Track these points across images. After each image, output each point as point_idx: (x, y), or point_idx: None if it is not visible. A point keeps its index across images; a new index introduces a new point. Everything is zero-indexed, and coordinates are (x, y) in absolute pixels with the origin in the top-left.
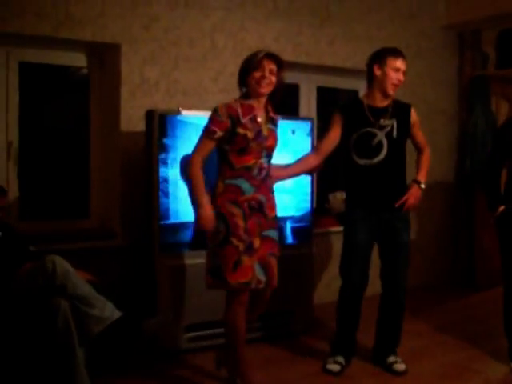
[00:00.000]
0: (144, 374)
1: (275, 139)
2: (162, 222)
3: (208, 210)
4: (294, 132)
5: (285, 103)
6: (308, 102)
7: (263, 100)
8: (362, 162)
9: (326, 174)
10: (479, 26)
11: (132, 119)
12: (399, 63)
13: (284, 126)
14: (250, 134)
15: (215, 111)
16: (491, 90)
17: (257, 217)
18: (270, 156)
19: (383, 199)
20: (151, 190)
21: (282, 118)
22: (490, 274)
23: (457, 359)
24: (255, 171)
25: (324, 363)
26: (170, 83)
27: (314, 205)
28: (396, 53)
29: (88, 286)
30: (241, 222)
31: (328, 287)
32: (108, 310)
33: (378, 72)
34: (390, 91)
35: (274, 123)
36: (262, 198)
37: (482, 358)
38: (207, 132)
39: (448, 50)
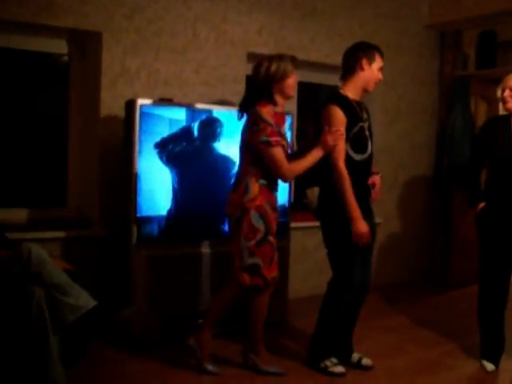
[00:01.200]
0: (118, 364)
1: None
2: (139, 213)
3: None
4: None
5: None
6: None
7: (282, 104)
8: (358, 157)
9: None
10: (460, 27)
11: (112, 108)
12: (383, 63)
13: None
14: (285, 144)
15: (267, 122)
16: (471, 90)
17: (274, 213)
18: None
19: (370, 193)
20: (129, 180)
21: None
22: (464, 273)
23: (430, 355)
24: (274, 175)
25: (324, 367)
26: (151, 74)
27: (292, 199)
28: (382, 52)
29: (64, 274)
30: (273, 221)
31: (304, 282)
32: (83, 299)
33: (366, 67)
34: (372, 89)
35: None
36: (277, 197)
37: (454, 354)
38: (276, 145)
39: (429, 49)
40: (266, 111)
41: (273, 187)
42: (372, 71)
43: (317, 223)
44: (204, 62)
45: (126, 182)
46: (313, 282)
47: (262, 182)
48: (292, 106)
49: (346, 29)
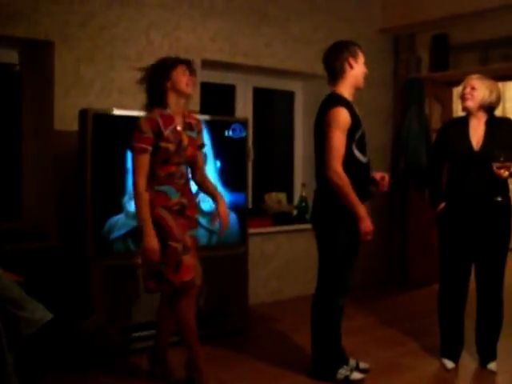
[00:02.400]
0: (79, 377)
1: (195, 148)
2: (95, 223)
3: (155, 239)
4: (230, 132)
5: (221, 104)
6: (244, 102)
7: (180, 105)
8: (364, 159)
9: (262, 175)
10: (413, 31)
11: (66, 118)
12: (363, 56)
13: (220, 127)
14: (171, 147)
15: (139, 129)
16: (425, 93)
17: (181, 219)
18: (189, 163)
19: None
20: (84, 190)
21: (217, 119)
22: (424, 273)
23: (391, 355)
24: (177, 177)
25: (345, 377)
26: (106, 82)
27: (250, 205)
28: (360, 46)
29: (17, 287)
30: (174, 225)
31: (264, 287)
32: (39, 312)
33: (354, 64)
34: (362, 85)
35: (193, 129)
36: (184, 201)
37: (415, 354)
38: (139, 150)
39: (384, 52)
40: (144, 119)
41: (173, 191)
42: (360, 66)
43: (275, 229)
44: None
45: (81, 192)
46: (273, 288)
47: (158, 188)
48: (247, 111)
49: (301, 33)
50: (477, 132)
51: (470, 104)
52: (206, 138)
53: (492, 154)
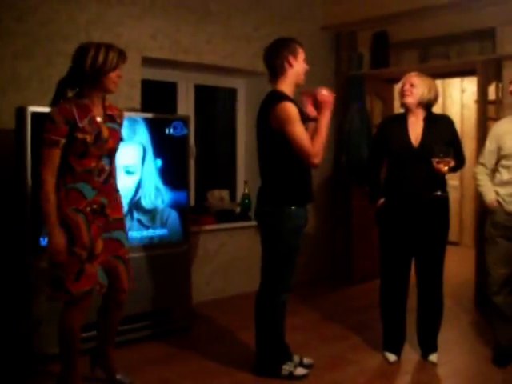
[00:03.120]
0: (17, 379)
1: (117, 140)
2: (33, 223)
3: (61, 240)
4: (171, 130)
5: (162, 101)
6: (186, 100)
7: (100, 97)
8: None
9: (205, 172)
10: (355, 28)
11: (2, 116)
12: (304, 53)
13: (161, 125)
14: (89, 138)
15: (50, 119)
16: (366, 89)
17: (99, 220)
18: (111, 157)
19: None
20: (22, 189)
21: (158, 117)
22: (366, 268)
23: (334, 350)
24: (96, 174)
25: (289, 373)
26: (44, 79)
27: (192, 203)
28: (301, 43)
29: None
30: (85, 231)
31: (208, 285)
32: None
33: (293, 62)
34: (303, 82)
35: (115, 120)
36: (103, 200)
37: (358, 348)
38: (49, 143)
39: (325, 50)
40: (55, 108)
41: (89, 189)
42: (300, 64)
43: (218, 226)
44: None
45: (19, 191)
46: (216, 286)
47: (71, 186)
48: (189, 109)
49: (242, 31)
50: (415, 128)
51: (410, 100)
52: (147, 136)
53: (431, 150)
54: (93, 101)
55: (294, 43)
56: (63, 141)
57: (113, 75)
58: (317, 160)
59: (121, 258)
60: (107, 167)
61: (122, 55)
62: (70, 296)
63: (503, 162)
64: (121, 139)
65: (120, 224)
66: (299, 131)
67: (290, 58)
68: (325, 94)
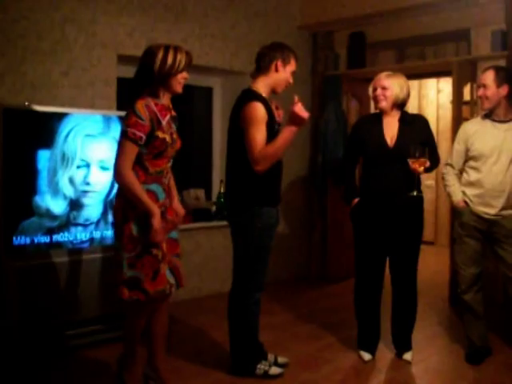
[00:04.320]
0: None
1: (180, 141)
2: (7, 224)
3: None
4: None
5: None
6: None
7: (168, 98)
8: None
9: (181, 171)
10: (331, 28)
11: None
12: (296, 67)
13: None
14: (168, 138)
15: (135, 113)
16: (342, 89)
17: (164, 221)
18: (172, 159)
19: None
20: None
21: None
22: (341, 267)
23: (310, 349)
24: (164, 175)
25: (264, 372)
26: (17, 77)
27: None
28: (297, 56)
29: None
30: (159, 230)
31: None
32: None
33: (280, 68)
34: (280, 91)
35: (176, 121)
36: (167, 202)
37: (332, 347)
38: (133, 138)
39: (302, 49)
40: (140, 104)
41: (161, 191)
42: (285, 73)
43: (194, 225)
44: (73, 64)
45: None
46: (192, 285)
47: (146, 186)
48: None
49: (218, 29)
50: (391, 129)
51: (384, 104)
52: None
53: (406, 150)
54: (167, 101)
55: (290, 52)
56: (145, 138)
57: (180, 76)
58: (258, 167)
59: (178, 255)
60: (169, 169)
61: (188, 56)
62: (146, 296)
63: (471, 163)
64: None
65: (174, 225)
66: (255, 133)
67: (279, 63)
68: (297, 110)
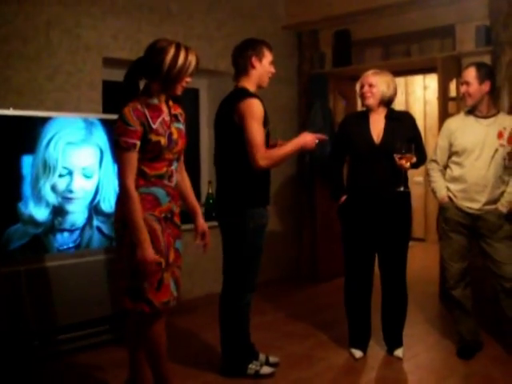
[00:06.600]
0: None
1: (184, 141)
2: None
3: (151, 249)
4: None
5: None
6: None
7: (166, 96)
8: None
9: None
10: (316, 27)
11: None
12: (272, 56)
13: None
14: (163, 141)
15: (123, 120)
16: (329, 88)
17: (169, 228)
18: (178, 160)
19: None
20: None
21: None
22: (331, 266)
23: (302, 348)
24: (167, 178)
25: (255, 372)
26: (2, 82)
27: None
28: (269, 45)
29: None
30: (161, 237)
31: None
32: None
33: (257, 64)
34: (266, 84)
35: (179, 120)
36: (174, 207)
37: (325, 346)
38: (127, 147)
39: (287, 49)
40: (127, 110)
41: (164, 194)
42: (263, 67)
43: (183, 227)
44: (58, 68)
45: None
46: (183, 286)
47: (144, 190)
48: None
49: (204, 30)
50: (377, 126)
51: (371, 101)
52: (105, 138)
53: (393, 147)
54: (160, 100)
55: (261, 45)
56: (139, 143)
57: (185, 80)
58: (263, 162)
59: (179, 267)
60: (175, 171)
61: (197, 58)
62: (150, 307)
63: (454, 159)
64: (187, 140)
65: (181, 232)
66: (257, 128)
67: (254, 59)
68: (309, 138)
